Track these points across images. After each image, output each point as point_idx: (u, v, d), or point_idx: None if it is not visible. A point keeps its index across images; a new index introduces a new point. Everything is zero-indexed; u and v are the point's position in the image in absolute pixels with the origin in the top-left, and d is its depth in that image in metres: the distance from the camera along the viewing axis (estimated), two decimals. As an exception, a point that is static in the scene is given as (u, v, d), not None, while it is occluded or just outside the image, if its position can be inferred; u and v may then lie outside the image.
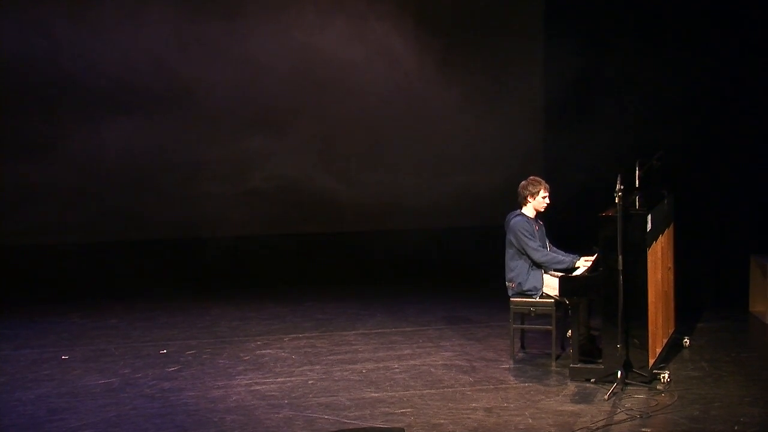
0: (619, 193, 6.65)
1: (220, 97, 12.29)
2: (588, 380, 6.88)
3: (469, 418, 6.32)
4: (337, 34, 12.37)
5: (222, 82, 12.26)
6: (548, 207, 7.43)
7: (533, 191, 7.34)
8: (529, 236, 7.25)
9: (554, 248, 7.49)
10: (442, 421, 6.27)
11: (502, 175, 11.91)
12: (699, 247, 9.96)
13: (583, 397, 6.64)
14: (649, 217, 6.87)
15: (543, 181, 7.39)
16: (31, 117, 12.00)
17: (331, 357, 7.64)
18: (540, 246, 7.30)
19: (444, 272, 10.67)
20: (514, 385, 6.93)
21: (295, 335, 8.28)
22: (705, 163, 11.06)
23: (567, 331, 7.41)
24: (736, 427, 6.09)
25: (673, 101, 11.34)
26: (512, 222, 7.33)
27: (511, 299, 7.38)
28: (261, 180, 12.56)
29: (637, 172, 7.24)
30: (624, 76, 11.68)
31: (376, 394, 6.77)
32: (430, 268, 10.85)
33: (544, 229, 7.49)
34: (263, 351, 7.84)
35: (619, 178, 6.66)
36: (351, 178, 12.70)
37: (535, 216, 7.42)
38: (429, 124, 12.67)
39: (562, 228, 7.96)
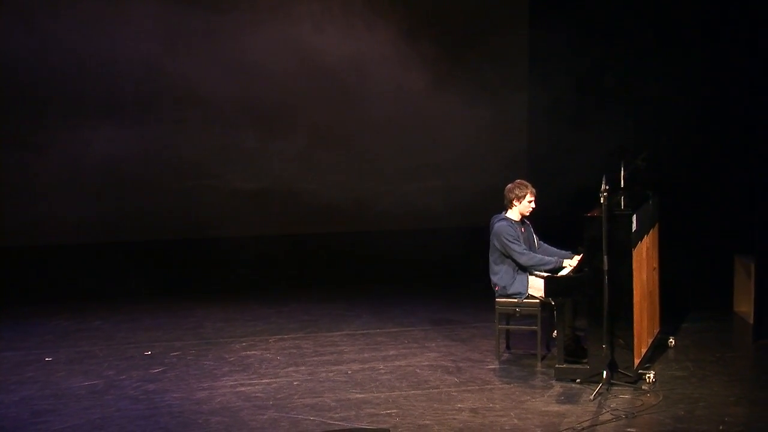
0: (604, 194, 6.64)
1: (211, 96, 12.24)
2: (573, 380, 6.89)
3: (454, 418, 6.33)
4: (331, 36, 12.37)
5: (213, 81, 12.21)
6: (533, 211, 7.41)
7: (519, 195, 7.33)
8: (514, 240, 7.23)
9: (545, 246, 7.48)
10: (427, 422, 6.27)
11: (488, 177, 11.94)
12: (684, 247, 9.98)
13: (569, 398, 6.66)
14: (634, 217, 6.87)
15: (530, 185, 7.38)
16: (17, 115, 11.92)
17: (317, 358, 7.64)
18: (525, 249, 7.28)
19: (429, 273, 10.69)
20: (500, 386, 6.94)
21: (280, 336, 8.27)
22: (689, 163, 11.10)
23: (552, 332, 7.41)
24: (721, 427, 6.11)
25: (656, 103, 11.40)
26: (496, 227, 7.32)
27: (497, 300, 7.38)
28: (249, 181, 12.53)
29: (622, 172, 7.23)
30: (609, 79, 11.74)
31: (362, 395, 6.78)
32: (415, 269, 10.86)
33: (531, 228, 7.47)
34: (248, 352, 7.83)
35: (604, 179, 6.65)
36: (338, 180, 12.70)
37: (521, 219, 7.41)
38: (418, 127, 12.69)
39: (549, 230, 7.96)
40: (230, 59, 12.31)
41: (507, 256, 7.24)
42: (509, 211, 7.38)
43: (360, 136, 12.70)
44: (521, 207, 7.34)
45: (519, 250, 7.22)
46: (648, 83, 11.50)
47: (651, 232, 7.59)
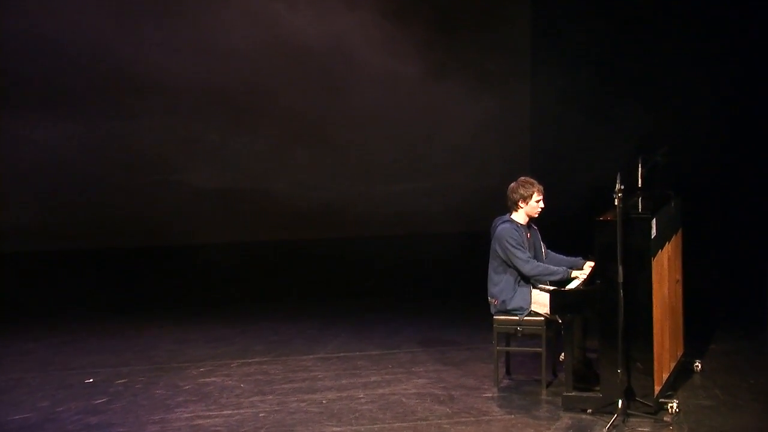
0: (619, 194, 6.59)
1: (170, 83, 12.22)
2: (584, 411, 6.85)
3: (445, 456, 6.32)
4: (308, 15, 12.33)
5: (172, 65, 12.20)
6: (542, 212, 7.34)
7: (525, 195, 7.26)
8: (517, 246, 7.17)
9: (553, 254, 7.46)
10: (414, 460, 6.28)
11: (487, 176, 11.93)
12: (711, 256, 9.97)
13: (579, 431, 6.59)
14: (654, 221, 6.83)
15: (536, 183, 7.33)
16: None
17: (286, 385, 7.58)
18: (530, 257, 7.22)
19: (419, 286, 10.67)
20: (499, 417, 6.87)
21: (244, 360, 8.22)
22: (717, 160, 11.08)
23: (559, 354, 7.36)
24: (754, 465, 6.11)
25: (680, 94, 11.41)
26: (498, 229, 7.26)
27: (495, 317, 7.32)
28: (214, 180, 12.53)
29: (639, 170, 7.16)
30: (619, 74, 11.78)
31: (339, 429, 6.71)
32: (403, 282, 10.87)
33: (538, 234, 7.44)
34: (207, 379, 7.77)
35: (618, 177, 6.61)
36: (317, 179, 12.70)
37: (527, 222, 7.33)
38: (408, 121, 12.78)
39: (555, 236, 7.90)
40: (192, 40, 12.30)
41: (509, 264, 7.17)
42: (514, 213, 7.33)
43: (342, 130, 12.74)
44: (528, 208, 7.28)
45: (523, 257, 7.15)
46: (670, 71, 11.50)
47: (673, 238, 7.55)
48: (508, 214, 7.32)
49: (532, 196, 7.25)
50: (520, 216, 7.29)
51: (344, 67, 12.61)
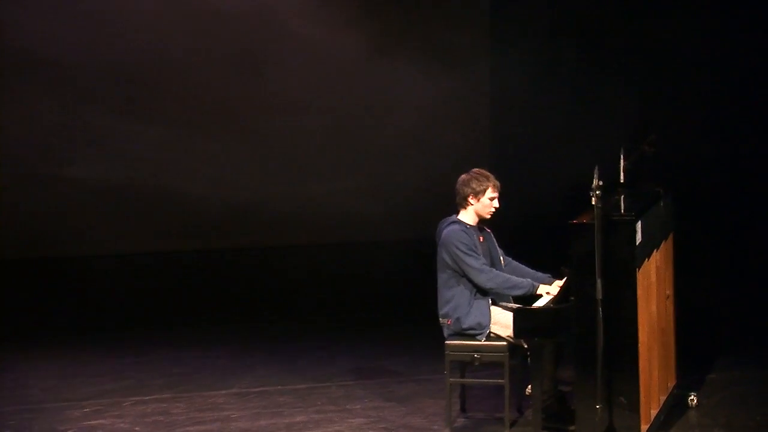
0: (597, 192, 6.58)
1: (52, 57, 12.14)
2: None
3: None
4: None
5: (55, 35, 12.15)
6: (496, 213, 7.34)
7: (478, 189, 7.26)
8: (469, 251, 7.15)
9: (514, 263, 7.47)
10: None
11: (439, 171, 11.96)
12: (709, 266, 9.98)
13: (549, 481, 6.67)
14: (639, 224, 6.84)
15: (491, 177, 7.33)
16: None
17: (192, 428, 7.52)
18: (485, 264, 7.18)
19: (356, 305, 10.71)
20: (452, 465, 6.93)
21: (139, 398, 8.17)
22: (715, 151, 11.15)
23: (526, 387, 7.37)
24: None
25: (672, 73, 11.48)
26: (444, 234, 7.24)
27: (447, 342, 7.27)
28: (104, 175, 12.46)
29: (622, 162, 7.17)
30: (602, 48, 11.90)
31: (256, 481, 6.79)
32: (336, 300, 10.89)
33: (493, 238, 7.45)
34: (93, 421, 7.69)
35: (596, 171, 6.59)
36: (235, 178, 12.65)
37: (478, 223, 7.31)
38: (346, 105, 12.76)
39: (517, 244, 7.93)
40: (79, 4, 12.14)
41: (462, 274, 7.18)
42: (462, 212, 7.32)
43: (264, 116, 12.78)
44: (479, 206, 7.27)
45: (476, 265, 7.14)
46: (663, 45, 11.57)
47: (663, 245, 7.59)
48: (455, 215, 7.31)
49: (485, 191, 7.23)
50: (468, 215, 7.28)
51: (267, 38, 12.62)
